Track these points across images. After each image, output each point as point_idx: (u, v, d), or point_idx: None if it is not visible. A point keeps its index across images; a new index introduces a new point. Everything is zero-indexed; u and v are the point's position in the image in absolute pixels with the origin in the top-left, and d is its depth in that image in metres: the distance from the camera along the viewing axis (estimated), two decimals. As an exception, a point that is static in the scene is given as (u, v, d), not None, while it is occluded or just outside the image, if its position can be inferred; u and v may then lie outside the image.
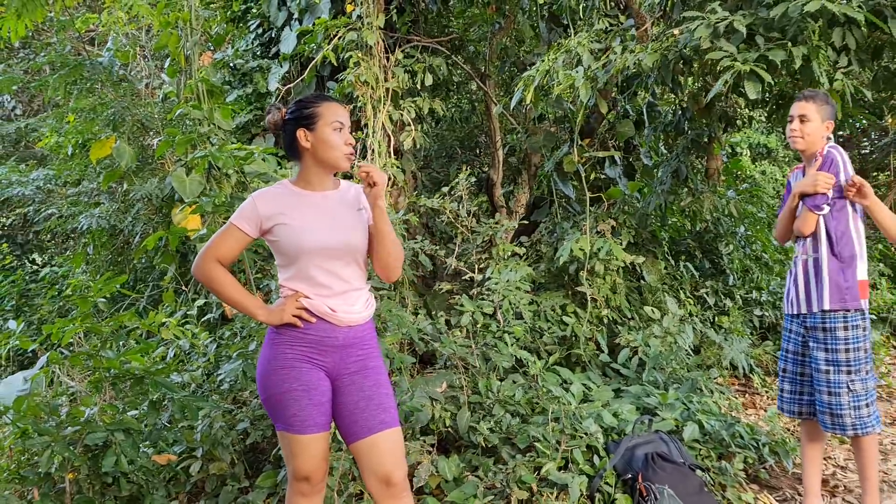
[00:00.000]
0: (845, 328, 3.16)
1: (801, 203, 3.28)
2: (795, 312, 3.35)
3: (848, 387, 3.15)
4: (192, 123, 5.36)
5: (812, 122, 3.23)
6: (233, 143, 5.63)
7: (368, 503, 3.30)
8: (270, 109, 2.58)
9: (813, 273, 3.25)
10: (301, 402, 2.38)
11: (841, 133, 12.34)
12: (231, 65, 7.59)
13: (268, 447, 3.94)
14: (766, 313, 6.15)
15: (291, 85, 7.02)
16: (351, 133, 2.53)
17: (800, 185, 3.24)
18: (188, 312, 5.04)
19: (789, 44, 3.93)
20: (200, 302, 4.83)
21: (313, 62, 6.70)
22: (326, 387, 2.45)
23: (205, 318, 5.05)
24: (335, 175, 2.64)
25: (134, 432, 3.32)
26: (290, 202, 2.46)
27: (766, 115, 6.47)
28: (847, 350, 3.15)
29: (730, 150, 11.16)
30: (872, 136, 10.82)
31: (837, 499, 3.62)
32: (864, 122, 6.00)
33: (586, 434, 3.69)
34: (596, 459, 3.59)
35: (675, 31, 4.37)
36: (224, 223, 2.52)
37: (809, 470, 3.38)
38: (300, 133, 2.43)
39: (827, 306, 3.18)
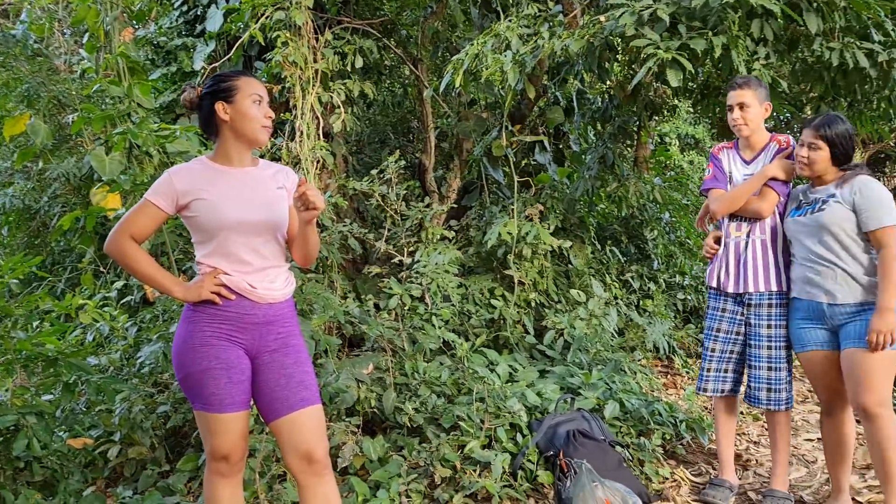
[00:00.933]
0: (781, 305, 3.29)
1: (742, 181, 3.35)
2: (738, 291, 3.38)
3: (787, 361, 3.29)
4: (111, 101, 5.18)
5: (752, 108, 3.29)
6: (156, 122, 5.47)
7: (291, 484, 3.27)
8: (185, 88, 2.53)
9: (761, 254, 3.32)
10: (220, 381, 2.34)
11: (766, 126, 12.74)
12: (154, 42, 7.36)
13: (189, 430, 3.86)
14: (689, 297, 6.33)
15: (217, 64, 6.84)
16: (281, 114, 2.52)
17: (773, 169, 3.26)
18: (107, 295, 4.89)
19: (710, 33, 4.03)
20: (120, 284, 4.69)
21: (240, 41, 6.54)
22: (246, 365, 2.42)
23: (125, 300, 4.90)
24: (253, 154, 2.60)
25: (47, 415, 3.22)
26: (208, 177, 2.41)
27: (691, 105, 6.63)
28: (782, 326, 3.29)
29: (659, 140, 11.42)
30: (795, 129, 11.21)
31: (749, 472, 3.76)
32: (788, 114, 6.21)
33: (510, 413, 3.74)
34: (519, 437, 3.64)
35: (602, 18, 4.43)
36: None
37: (725, 444, 3.49)
38: (219, 106, 2.40)
39: (781, 287, 3.28)
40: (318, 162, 6.59)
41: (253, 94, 2.42)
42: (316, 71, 6.46)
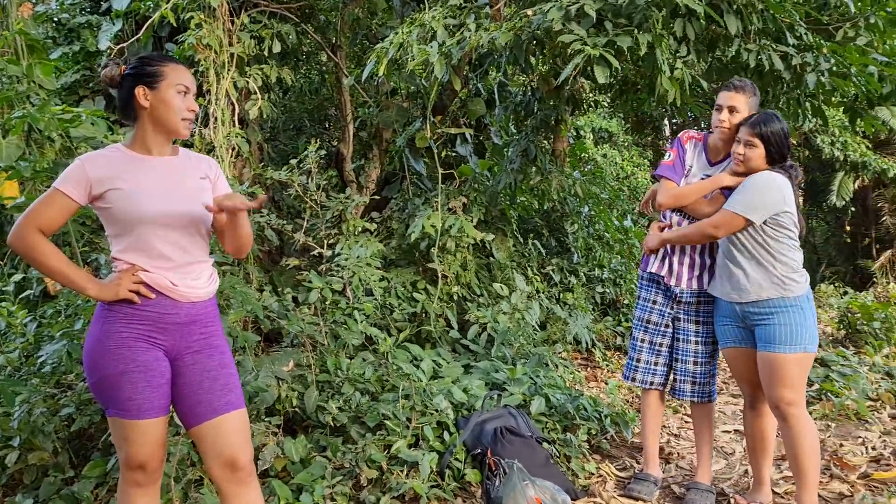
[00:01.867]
0: (710, 302, 3.34)
1: (701, 179, 3.34)
2: (670, 284, 3.39)
3: (712, 356, 3.35)
4: (7, 81, 4.81)
5: (740, 114, 3.20)
6: (57, 104, 5.12)
7: (208, 489, 3.12)
8: (108, 63, 2.32)
9: (699, 252, 3.35)
10: (138, 385, 2.19)
11: (675, 121, 13.13)
12: (55, 19, 6.92)
13: (96, 433, 3.64)
14: (608, 290, 6.44)
15: (125, 44, 6.49)
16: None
17: (726, 179, 3.21)
18: (3, 288, 4.56)
19: (636, 31, 4.06)
20: (18, 277, 4.37)
21: (150, 21, 6.22)
22: (165, 367, 2.27)
23: (23, 294, 4.58)
24: (174, 142, 2.44)
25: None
26: (124, 166, 2.25)
27: (609, 99, 6.72)
28: (709, 323, 3.35)
29: (574, 133, 11.58)
30: (702, 126, 11.60)
31: (671, 465, 3.83)
32: (698, 111, 6.37)
33: (437, 411, 3.68)
34: (446, 436, 3.59)
35: (529, 12, 4.41)
36: (47, 190, 2.26)
37: (651, 439, 3.52)
38: (139, 90, 2.24)
39: (714, 292, 3.28)
40: (232, 149, 6.35)
41: (179, 84, 2.27)
42: (231, 55, 6.21)
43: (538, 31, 4.32)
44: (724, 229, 3.02)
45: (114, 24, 6.64)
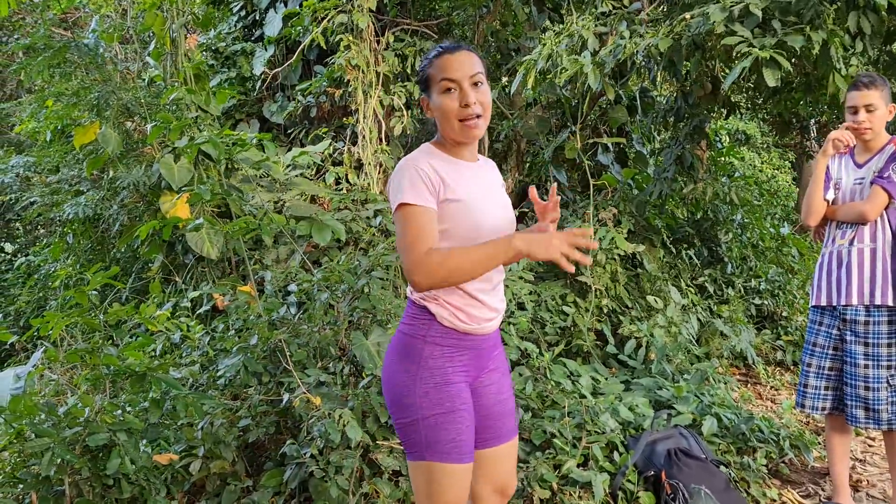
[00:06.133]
0: (889, 322, 3.08)
1: (853, 185, 3.18)
2: (833, 304, 3.21)
3: (888, 381, 3.08)
4: (177, 108, 5.14)
5: (879, 111, 3.08)
6: (222, 130, 5.43)
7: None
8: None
9: (869, 264, 3.12)
10: (462, 425, 1.97)
11: (818, 121, 12.40)
12: (213, 48, 7.34)
13: (269, 445, 3.79)
14: (765, 302, 6.12)
15: (279, 69, 6.81)
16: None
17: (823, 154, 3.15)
18: (179, 304, 4.84)
19: (807, 28, 3.83)
20: (194, 294, 4.63)
21: (302, 45, 6.50)
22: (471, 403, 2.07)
23: (197, 310, 4.85)
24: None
25: (135, 432, 3.16)
26: (447, 168, 1.98)
27: (761, 100, 6.41)
28: (890, 345, 3.07)
29: (715, 137, 11.16)
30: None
31: (861, 493, 3.57)
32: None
33: (605, 430, 3.59)
34: (616, 456, 3.49)
35: (687, 16, 4.26)
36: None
37: (839, 465, 3.30)
38: (423, 101, 2.06)
39: (891, 302, 3.06)
40: (379, 165, 6.52)
41: (443, 81, 1.94)
42: (377, 74, 6.38)
43: (698, 35, 4.17)
44: None
45: (266, 49, 6.97)
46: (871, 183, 3.09)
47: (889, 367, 3.08)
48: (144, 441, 3.67)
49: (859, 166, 3.20)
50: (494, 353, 2.16)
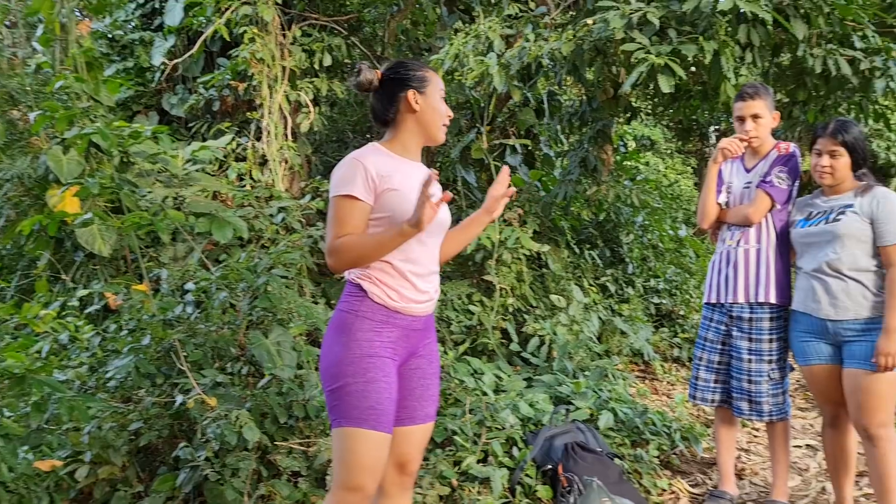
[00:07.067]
0: (771, 319, 3.22)
1: (742, 189, 3.31)
2: (721, 301, 3.34)
3: (769, 375, 3.22)
4: (68, 97, 4.88)
5: (764, 119, 3.21)
6: (113, 120, 5.20)
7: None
8: (361, 68, 2.26)
9: (754, 264, 3.24)
10: (382, 395, 2.10)
11: (717, 128, 12.94)
12: (109, 36, 7.04)
13: (163, 448, 3.65)
14: (664, 301, 6.33)
15: (179, 60, 6.58)
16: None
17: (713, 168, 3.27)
18: (67, 303, 4.60)
19: (701, 38, 3.98)
20: (84, 293, 4.41)
21: (203, 36, 6.30)
22: (396, 381, 2.20)
23: (87, 309, 4.62)
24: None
25: (14, 438, 2.98)
26: (393, 165, 2.17)
27: (661, 107, 6.63)
28: (771, 340, 3.22)
29: (619, 142, 11.48)
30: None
31: (745, 481, 3.72)
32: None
33: (505, 426, 3.62)
34: (515, 451, 3.53)
35: (589, 21, 4.36)
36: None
37: (725, 455, 3.43)
38: (411, 94, 2.20)
39: (773, 300, 3.19)
40: (284, 162, 6.39)
41: (441, 90, 2.27)
42: (283, 68, 6.25)
43: (599, 40, 4.27)
44: None
45: (166, 39, 6.73)
46: (757, 187, 3.24)
47: (770, 362, 3.21)
48: (26, 447, 3.47)
49: (748, 171, 3.34)
50: (426, 340, 2.31)
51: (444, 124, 2.28)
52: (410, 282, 2.18)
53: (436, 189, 2.10)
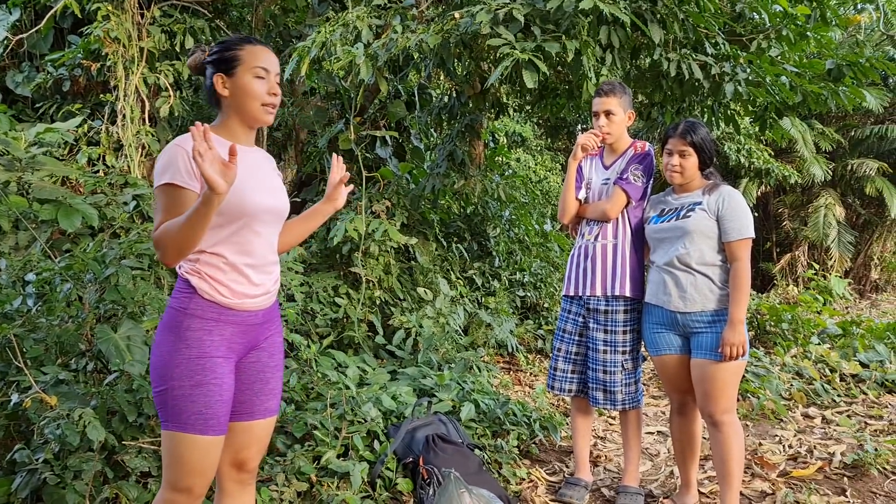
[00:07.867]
0: (625, 311, 3.34)
1: (600, 186, 3.41)
2: (578, 294, 3.44)
3: (623, 366, 3.34)
4: None
5: (617, 115, 3.33)
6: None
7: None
8: (195, 50, 2.17)
9: (611, 258, 3.36)
10: (211, 399, 2.00)
11: (585, 127, 13.40)
12: (-56, 5, 6.44)
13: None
14: (529, 294, 6.47)
15: (25, 35, 6.11)
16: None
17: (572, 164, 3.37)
18: None
19: (563, 37, 4.08)
20: None
21: (52, 11, 5.88)
22: (233, 380, 2.09)
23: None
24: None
25: None
26: (221, 151, 2.02)
27: (528, 104, 6.76)
28: (625, 332, 3.34)
29: (490, 138, 11.66)
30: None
31: (600, 468, 3.86)
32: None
33: (366, 419, 3.59)
34: (376, 445, 3.50)
35: (456, 15, 4.37)
36: (160, 192, 1.99)
37: (580, 443, 3.55)
38: (217, 79, 2.09)
39: (628, 293, 3.32)
40: (142, 147, 6.08)
41: (256, 67, 2.09)
42: (141, 49, 5.94)
43: (466, 35, 4.29)
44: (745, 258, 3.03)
45: (11, 13, 6.23)
46: (614, 184, 3.36)
47: (625, 353, 3.35)
48: None
49: (606, 168, 3.47)
50: (267, 333, 2.21)
51: (263, 104, 2.11)
52: (245, 275, 2.08)
53: (219, 147, 2.01)
